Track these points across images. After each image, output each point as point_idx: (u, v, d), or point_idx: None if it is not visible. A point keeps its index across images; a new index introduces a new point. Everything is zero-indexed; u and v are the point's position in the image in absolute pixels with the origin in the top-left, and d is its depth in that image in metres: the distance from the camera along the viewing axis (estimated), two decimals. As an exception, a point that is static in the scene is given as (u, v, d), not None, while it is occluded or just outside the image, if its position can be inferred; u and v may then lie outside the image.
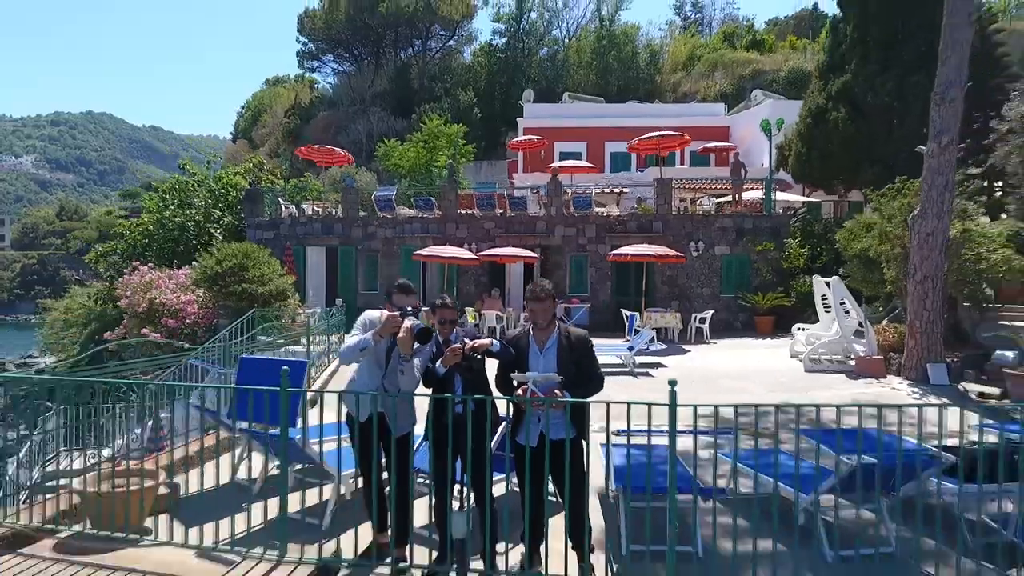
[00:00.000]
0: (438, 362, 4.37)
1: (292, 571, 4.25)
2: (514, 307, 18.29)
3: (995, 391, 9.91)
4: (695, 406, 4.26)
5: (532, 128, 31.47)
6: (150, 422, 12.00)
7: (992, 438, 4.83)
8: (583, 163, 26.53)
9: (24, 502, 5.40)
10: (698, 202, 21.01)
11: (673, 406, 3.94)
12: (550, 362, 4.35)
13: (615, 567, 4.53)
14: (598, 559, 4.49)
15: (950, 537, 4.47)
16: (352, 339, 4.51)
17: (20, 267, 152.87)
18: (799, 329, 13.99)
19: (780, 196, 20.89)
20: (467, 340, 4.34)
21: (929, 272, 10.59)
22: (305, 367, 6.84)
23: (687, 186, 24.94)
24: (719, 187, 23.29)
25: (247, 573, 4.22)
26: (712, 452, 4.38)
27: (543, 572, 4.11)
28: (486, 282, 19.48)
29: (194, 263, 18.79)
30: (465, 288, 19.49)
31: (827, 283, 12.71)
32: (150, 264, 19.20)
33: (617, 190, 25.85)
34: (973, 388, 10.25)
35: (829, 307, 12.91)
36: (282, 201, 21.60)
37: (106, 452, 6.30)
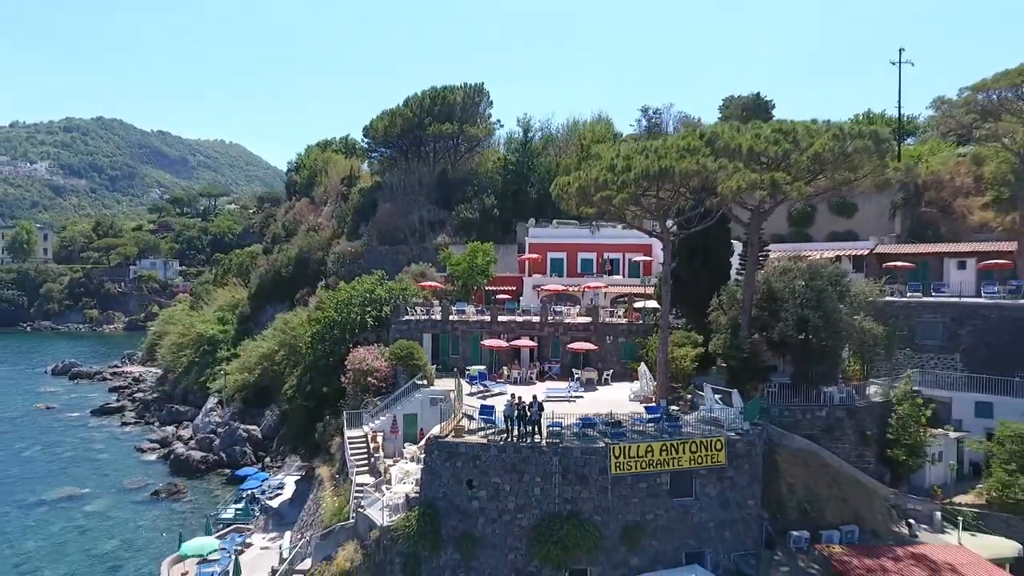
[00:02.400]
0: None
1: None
2: (524, 367, 42.22)
3: (676, 409, 33.78)
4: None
5: (534, 244, 55.56)
6: (392, 416, 38.58)
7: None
8: (560, 285, 50.66)
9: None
10: (614, 312, 44.95)
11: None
12: (535, 406, 28.44)
13: (546, 437, 28.62)
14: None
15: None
16: (503, 404, 28.67)
17: (68, 280, 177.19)
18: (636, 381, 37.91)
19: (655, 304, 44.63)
20: (526, 403, 28.46)
21: (660, 368, 34.40)
22: (493, 409, 30.53)
23: (616, 291, 49.18)
24: (629, 291, 47.18)
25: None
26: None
27: (534, 439, 28.25)
28: (511, 354, 43.32)
29: (377, 344, 42.74)
30: (502, 357, 43.29)
31: (640, 364, 36.69)
32: (352, 344, 43.19)
33: (581, 289, 50.24)
34: (674, 409, 34.04)
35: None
36: (408, 308, 45.48)
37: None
